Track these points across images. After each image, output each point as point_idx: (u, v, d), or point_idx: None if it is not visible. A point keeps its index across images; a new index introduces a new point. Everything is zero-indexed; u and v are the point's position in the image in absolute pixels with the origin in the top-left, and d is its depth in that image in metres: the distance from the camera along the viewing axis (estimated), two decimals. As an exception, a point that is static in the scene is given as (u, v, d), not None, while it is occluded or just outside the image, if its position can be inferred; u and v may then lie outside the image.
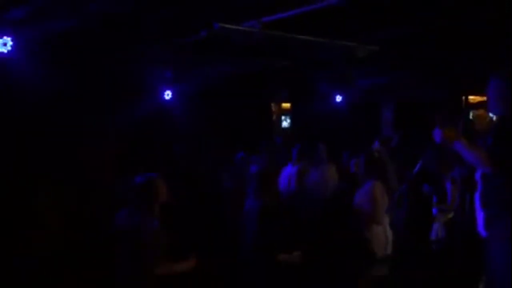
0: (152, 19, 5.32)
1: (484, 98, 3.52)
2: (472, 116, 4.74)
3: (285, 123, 11.77)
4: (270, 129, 10.81)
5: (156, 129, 8.45)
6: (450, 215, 5.47)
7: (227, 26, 4.89)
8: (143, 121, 7.85)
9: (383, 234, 4.27)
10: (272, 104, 11.33)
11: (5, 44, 5.40)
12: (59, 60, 6.37)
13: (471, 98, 7.13)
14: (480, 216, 3.35)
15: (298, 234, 4.31)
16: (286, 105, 12.03)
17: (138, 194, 3.47)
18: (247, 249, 3.98)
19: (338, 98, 10.09)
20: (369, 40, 6.37)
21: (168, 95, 8.38)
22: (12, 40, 5.42)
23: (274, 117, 11.56)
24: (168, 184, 3.54)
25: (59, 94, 6.60)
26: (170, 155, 8.14)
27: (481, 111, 4.47)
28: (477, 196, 3.40)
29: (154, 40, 6.14)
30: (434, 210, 5.66)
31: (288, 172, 6.51)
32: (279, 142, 9.34)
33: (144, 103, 7.88)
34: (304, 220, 5.43)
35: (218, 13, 4.96)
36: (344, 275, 3.89)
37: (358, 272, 3.99)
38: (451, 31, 5.81)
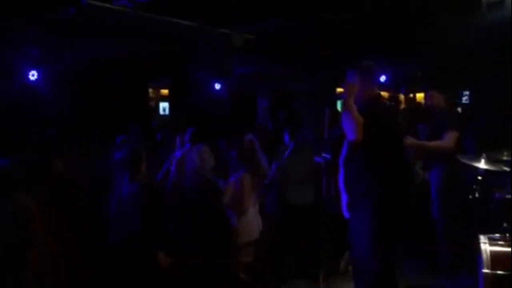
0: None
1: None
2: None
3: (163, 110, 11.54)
4: (147, 115, 10.47)
5: (19, 113, 7.71)
6: None
7: (95, 3, 4.60)
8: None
9: (251, 221, 4.35)
10: (150, 90, 11.01)
11: None
12: None
13: (340, 90, 7.59)
14: (343, 198, 3.60)
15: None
16: (165, 91, 11.79)
17: None
18: (123, 237, 3.71)
19: (217, 86, 10.07)
20: (246, 30, 6.43)
21: (33, 75, 7.69)
22: None
23: (152, 103, 11.27)
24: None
25: None
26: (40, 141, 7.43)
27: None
28: (340, 180, 3.63)
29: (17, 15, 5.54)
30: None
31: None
32: (154, 126, 9.07)
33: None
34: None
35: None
36: (212, 264, 3.88)
37: (225, 260, 4.02)
38: (322, 25, 6.08)
